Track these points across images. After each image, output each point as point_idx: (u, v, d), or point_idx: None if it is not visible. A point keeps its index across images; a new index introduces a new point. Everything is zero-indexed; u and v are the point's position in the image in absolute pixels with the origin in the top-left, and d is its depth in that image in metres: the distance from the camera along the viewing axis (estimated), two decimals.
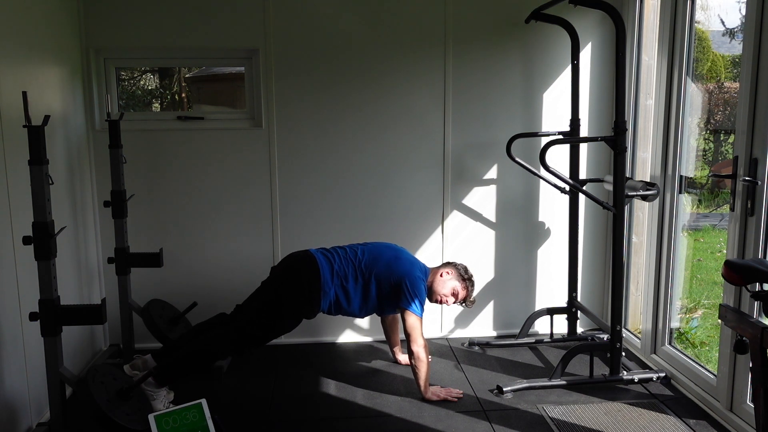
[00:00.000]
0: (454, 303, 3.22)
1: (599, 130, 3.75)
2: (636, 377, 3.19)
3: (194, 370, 2.97)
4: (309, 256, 3.05)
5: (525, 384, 3.13)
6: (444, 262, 3.38)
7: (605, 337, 3.60)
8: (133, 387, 2.62)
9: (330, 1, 3.58)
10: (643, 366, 3.41)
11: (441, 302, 3.20)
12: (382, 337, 3.61)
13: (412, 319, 3.02)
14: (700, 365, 3.11)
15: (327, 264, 3.03)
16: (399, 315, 3.20)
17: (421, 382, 3.03)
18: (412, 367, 3.04)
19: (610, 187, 3.24)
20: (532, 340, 3.76)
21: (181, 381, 2.96)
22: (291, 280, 3.01)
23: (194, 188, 3.67)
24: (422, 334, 3.04)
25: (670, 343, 3.37)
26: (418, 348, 3.00)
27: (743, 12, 2.67)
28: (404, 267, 3.07)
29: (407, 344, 3.06)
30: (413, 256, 3.24)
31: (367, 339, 3.87)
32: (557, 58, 3.72)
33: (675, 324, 3.46)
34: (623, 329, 3.41)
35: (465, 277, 3.19)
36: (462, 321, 3.93)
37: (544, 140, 3.58)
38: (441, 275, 3.17)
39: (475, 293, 3.38)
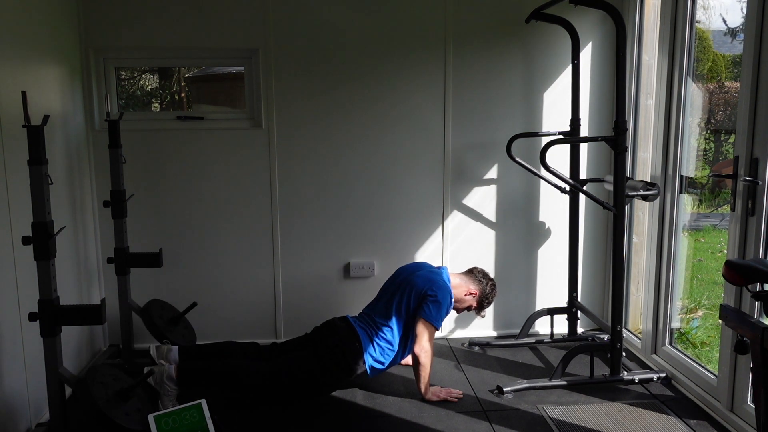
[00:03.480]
0: (476, 302, 3.25)
1: (599, 130, 3.75)
2: (636, 377, 3.19)
3: (214, 388, 2.92)
4: (352, 329, 3.05)
5: (525, 384, 3.13)
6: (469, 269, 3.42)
7: (605, 337, 3.60)
8: (133, 387, 2.62)
9: (330, 1, 3.58)
10: (644, 366, 3.40)
11: (466, 307, 3.25)
12: None
13: (423, 324, 3.01)
14: (700, 365, 3.10)
15: (365, 333, 3.05)
16: None
17: (422, 383, 3.02)
18: (414, 368, 3.03)
19: (610, 187, 3.24)
20: (532, 340, 3.76)
21: (194, 389, 2.88)
22: (333, 350, 2.98)
23: (194, 188, 3.67)
24: (431, 340, 3.02)
25: (670, 344, 3.36)
26: (419, 350, 2.98)
27: (744, 11, 2.66)
28: (428, 283, 3.09)
29: (412, 345, 3.04)
30: (434, 267, 3.27)
31: None
32: (557, 57, 3.72)
33: (675, 324, 3.46)
34: (623, 329, 3.41)
35: (486, 281, 3.27)
36: (462, 321, 3.93)
37: (545, 140, 3.57)
38: (460, 278, 3.26)
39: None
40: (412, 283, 3.11)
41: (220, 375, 2.88)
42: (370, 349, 3.02)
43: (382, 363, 3.07)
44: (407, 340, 3.11)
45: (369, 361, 3.02)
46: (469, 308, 3.27)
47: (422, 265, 3.29)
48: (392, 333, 3.07)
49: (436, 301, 3.03)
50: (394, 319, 3.07)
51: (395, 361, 3.13)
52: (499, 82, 3.72)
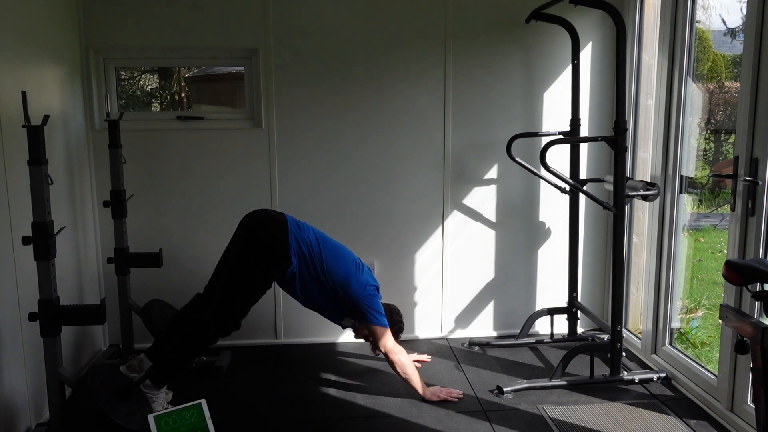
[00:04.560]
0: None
1: (599, 130, 3.75)
2: (636, 377, 3.19)
3: (188, 364, 2.96)
4: (280, 218, 2.96)
5: (525, 384, 3.13)
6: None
7: (605, 337, 3.59)
8: (133, 387, 2.62)
9: (330, 1, 3.58)
10: (644, 366, 3.40)
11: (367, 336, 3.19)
12: None
13: (377, 331, 3.01)
14: (700, 365, 3.10)
15: (295, 229, 2.95)
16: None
17: (416, 385, 3.02)
18: (401, 376, 3.03)
19: (610, 187, 3.24)
20: (532, 340, 3.76)
21: (178, 378, 2.95)
22: (256, 239, 2.91)
23: (194, 188, 3.67)
24: (392, 340, 3.03)
25: (670, 344, 3.36)
26: (395, 357, 3.00)
27: (744, 11, 2.67)
28: (358, 291, 3.00)
29: (385, 357, 3.05)
30: (361, 271, 3.09)
31: None
32: (557, 57, 3.72)
33: (675, 324, 3.46)
34: (623, 329, 3.41)
35: (397, 320, 3.23)
36: (462, 321, 3.93)
37: (545, 140, 3.57)
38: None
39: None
40: (348, 283, 3.00)
41: (182, 354, 2.87)
42: (294, 245, 2.92)
43: (291, 277, 2.97)
44: (319, 290, 3.01)
45: (294, 259, 2.92)
46: (366, 337, 3.19)
47: (355, 268, 3.08)
48: (316, 278, 2.97)
49: (373, 305, 3.02)
50: (321, 276, 2.97)
51: (297, 290, 3.02)
52: (499, 82, 3.72)
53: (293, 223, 2.98)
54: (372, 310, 3.01)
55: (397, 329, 3.25)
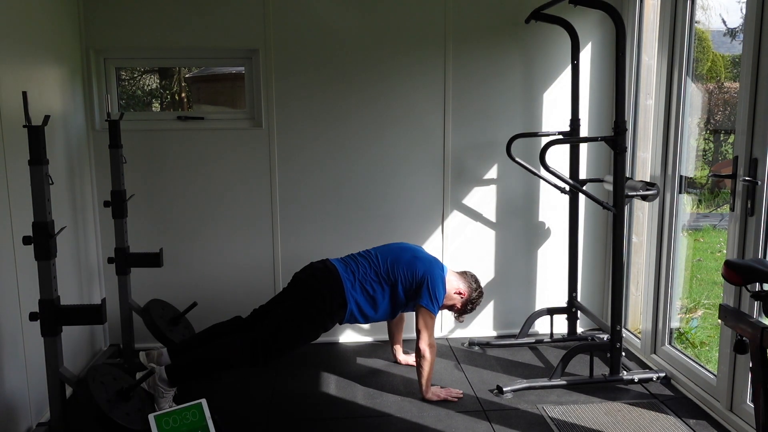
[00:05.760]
0: (460, 303, 3.20)
1: (599, 130, 3.75)
2: (636, 377, 3.20)
3: (208, 376, 2.96)
4: (331, 268, 3.05)
5: (525, 384, 3.13)
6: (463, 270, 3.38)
7: (605, 337, 3.60)
8: (134, 387, 2.62)
9: (330, 2, 3.58)
10: (643, 366, 3.41)
11: (450, 306, 3.20)
12: (383, 336, 3.61)
13: (425, 315, 3.00)
14: (700, 365, 3.11)
15: (348, 273, 3.03)
16: (405, 314, 3.21)
17: (424, 380, 3.02)
18: (417, 365, 3.03)
19: (610, 187, 3.24)
20: (532, 340, 3.76)
21: (191, 383, 2.95)
22: (313, 293, 2.99)
23: (194, 188, 3.67)
24: (433, 333, 3.03)
25: (670, 343, 3.37)
26: (426, 346, 2.98)
27: (743, 12, 2.67)
28: (424, 266, 3.06)
29: (416, 341, 3.03)
30: (429, 253, 3.21)
31: (368, 339, 3.87)
32: (557, 58, 3.72)
33: (675, 324, 3.47)
34: (623, 329, 3.41)
35: (476, 286, 3.22)
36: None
37: (544, 140, 3.58)
38: (453, 275, 3.20)
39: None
40: (414, 263, 3.07)
41: (207, 362, 2.88)
42: (353, 293, 3.01)
43: (361, 312, 3.05)
44: (391, 304, 3.09)
45: (351, 304, 3.00)
46: (451, 307, 3.22)
47: (421, 249, 3.24)
48: (381, 293, 3.04)
49: (435, 290, 3.02)
50: (386, 281, 3.05)
51: (372, 316, 3.09)
52: (498, 82, 3.72)
53: (341, 267, 3.05)
54: (431, 294, 3.01)
55: (471, 308, 3.25)
